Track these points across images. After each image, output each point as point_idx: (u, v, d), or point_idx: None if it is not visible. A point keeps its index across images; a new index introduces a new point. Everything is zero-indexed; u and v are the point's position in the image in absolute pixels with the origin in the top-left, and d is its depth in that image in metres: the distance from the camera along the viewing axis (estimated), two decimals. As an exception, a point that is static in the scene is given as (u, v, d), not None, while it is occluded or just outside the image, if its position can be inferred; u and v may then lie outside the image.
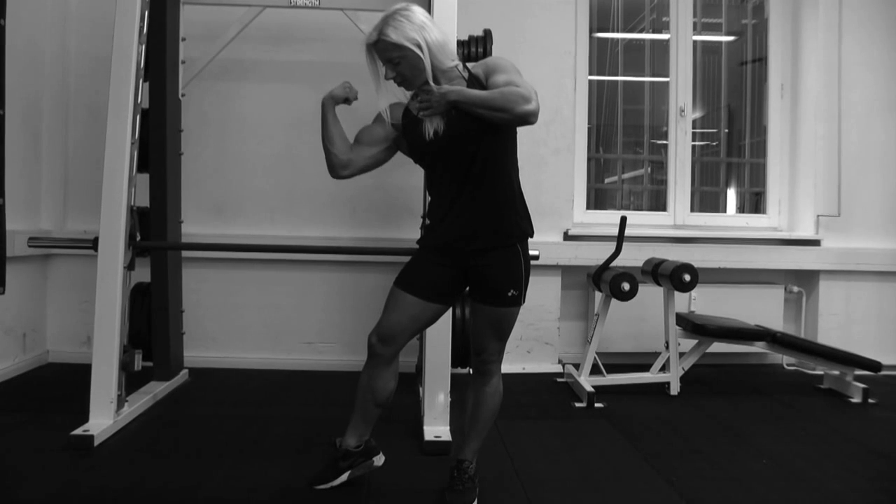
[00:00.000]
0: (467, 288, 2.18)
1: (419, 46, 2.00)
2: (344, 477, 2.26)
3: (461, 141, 2.02)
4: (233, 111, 4.01)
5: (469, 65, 2.12)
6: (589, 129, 4.45)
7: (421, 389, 3.09)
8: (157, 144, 3.36)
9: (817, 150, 4.30)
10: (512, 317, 2.14)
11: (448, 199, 2.08)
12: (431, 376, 2.86)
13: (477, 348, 2.19)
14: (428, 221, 2.21)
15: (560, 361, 4.13)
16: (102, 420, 2.73)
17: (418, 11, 2.04)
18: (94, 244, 2.91)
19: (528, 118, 1.92)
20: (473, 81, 2.06)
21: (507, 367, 3.95)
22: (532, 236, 2.15)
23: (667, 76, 4.48)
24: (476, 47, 3.37)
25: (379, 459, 2.31)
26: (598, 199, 4.61)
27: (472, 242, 2.07)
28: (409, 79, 2.05)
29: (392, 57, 2.02)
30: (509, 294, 2.09)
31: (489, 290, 2.10)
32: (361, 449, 2.28)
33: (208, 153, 3.98)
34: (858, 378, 3.64)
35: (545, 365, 4.12)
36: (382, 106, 2.14)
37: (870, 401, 3.51)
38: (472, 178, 2.04)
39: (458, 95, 1.95)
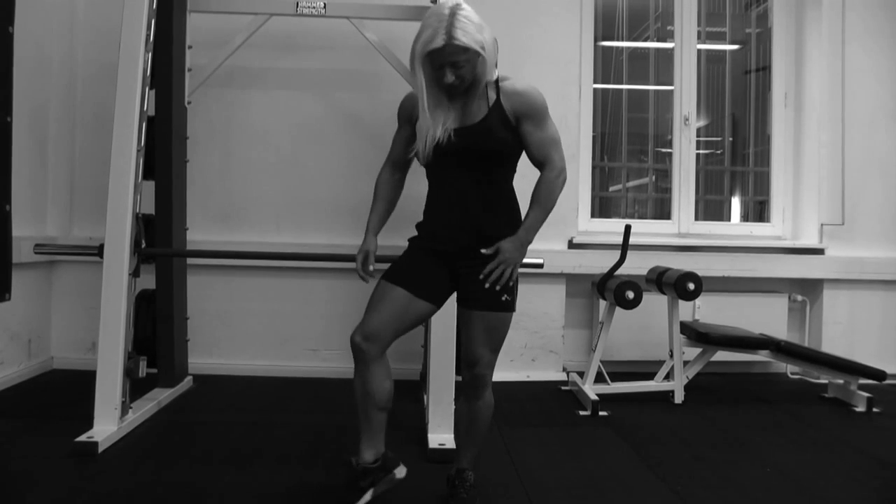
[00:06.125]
0: (455, 294, 2.14)
1: (483, 48, 1.88)
2: (367, 496, 2.07)
3: (465, 153, 2.00)
4: (238, 119, 4.03)
5: (500, 83, 2.01)
6: (593, 137, 4.45)
7: (425, 397, 3.10)
8: (163, 152, 3.38)
9: (821, 159, 4.30)
10: (506, 324, 2.08)
11: (449, 198, 2.05)
12: (436, 384, 2.86)
13: (471, 360, 2.08)
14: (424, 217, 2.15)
15: (564, 369, 4.13)
16: (107, 426, 2.73)
17: (471, 9, 1.89)
18: (99, 251, 2.93)
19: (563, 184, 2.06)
20: (496, 111, 1.99)
21: (512, 374, 4.05)
22: None
23: (671, 85, 4.49)
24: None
25: (400, 471, 2.15)
26: (602, 207, 4.61)
27: (481, 243, 2.03)
28: (464, 82, 1.92)
29: (458, 61, 1.86)
30: (503, 298, 2.05)
31: (484, 294, 2.03)
32: (379, 464, 2.10)
33: (214, 160, 4.00)
34: (863, 387, 3.63)
35: (550, 373, 4.12)
36: (435, 118, 1.97)
37: (874, 410, 3.50)
38: (477, 182, 2.03)
39: (525, 241, 2.04)
